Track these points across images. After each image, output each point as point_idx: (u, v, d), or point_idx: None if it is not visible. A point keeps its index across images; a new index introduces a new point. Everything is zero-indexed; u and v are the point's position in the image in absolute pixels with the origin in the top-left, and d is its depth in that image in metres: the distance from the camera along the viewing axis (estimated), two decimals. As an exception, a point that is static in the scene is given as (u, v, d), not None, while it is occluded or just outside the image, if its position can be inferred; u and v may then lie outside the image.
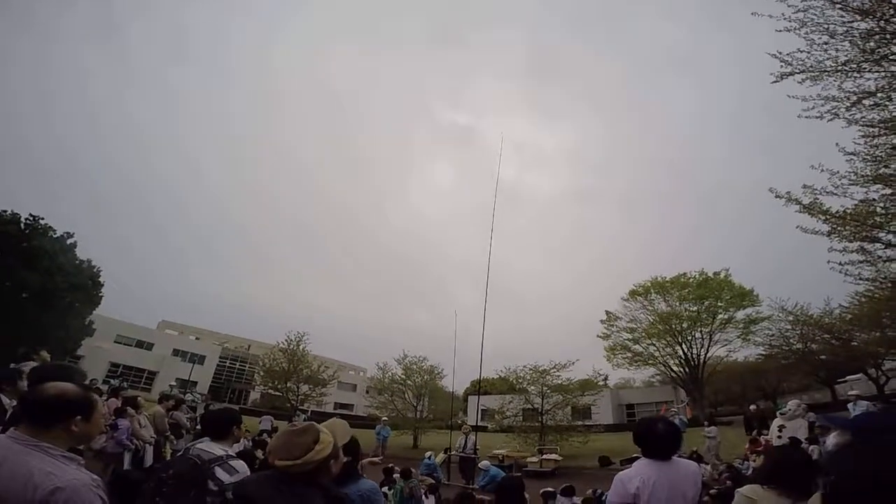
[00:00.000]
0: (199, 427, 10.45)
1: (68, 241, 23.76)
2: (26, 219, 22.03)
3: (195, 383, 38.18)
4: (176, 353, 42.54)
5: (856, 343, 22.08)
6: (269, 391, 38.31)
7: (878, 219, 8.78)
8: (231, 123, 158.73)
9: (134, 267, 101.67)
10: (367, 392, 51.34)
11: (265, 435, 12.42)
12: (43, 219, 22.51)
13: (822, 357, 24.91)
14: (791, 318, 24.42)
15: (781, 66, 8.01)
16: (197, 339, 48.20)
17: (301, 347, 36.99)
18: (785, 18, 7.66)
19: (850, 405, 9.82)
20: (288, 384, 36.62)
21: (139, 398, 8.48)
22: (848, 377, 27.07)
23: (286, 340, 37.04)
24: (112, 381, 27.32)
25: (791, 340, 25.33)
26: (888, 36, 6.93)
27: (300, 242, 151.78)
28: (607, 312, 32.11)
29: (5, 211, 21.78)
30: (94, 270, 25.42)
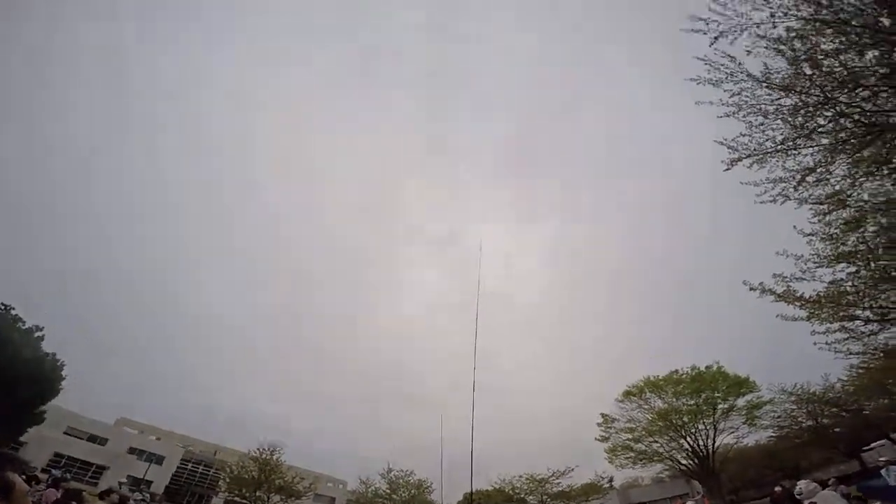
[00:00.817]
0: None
1: (36, 334, 23.97)
2: None
3: (150, 482, 36.49)
4: (132, 450, 40.81)
5: (867, 412, 22.45)
6: (235, 498, 34.74)
7: (850, 297, 8.97)
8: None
9: (99, 364, 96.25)
10: None
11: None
12: (14, 308, 22.88)
13: (837, 430, 25.22)
14: (793, 398, 25.03)
15: (729, 153, 8.42)
16: (158, 439, 45.86)
17: (275, 457, 34.37)
18: (723, 104, 8.08)
19: (883, 471, 9.64)
20: (257, 493, 33.23)
21: (84, 493, 7.53)
22: (873, 444, 26.70)
23: (258, 449, 34.79)
24: (54, 471, 26.14)
25: (799, 419, 25.83)
26: (811, 109, 7.31)
27: (280, 351, 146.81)
28: (602, 415, 31.83)
29: None
30: (58, 364, 25.23)
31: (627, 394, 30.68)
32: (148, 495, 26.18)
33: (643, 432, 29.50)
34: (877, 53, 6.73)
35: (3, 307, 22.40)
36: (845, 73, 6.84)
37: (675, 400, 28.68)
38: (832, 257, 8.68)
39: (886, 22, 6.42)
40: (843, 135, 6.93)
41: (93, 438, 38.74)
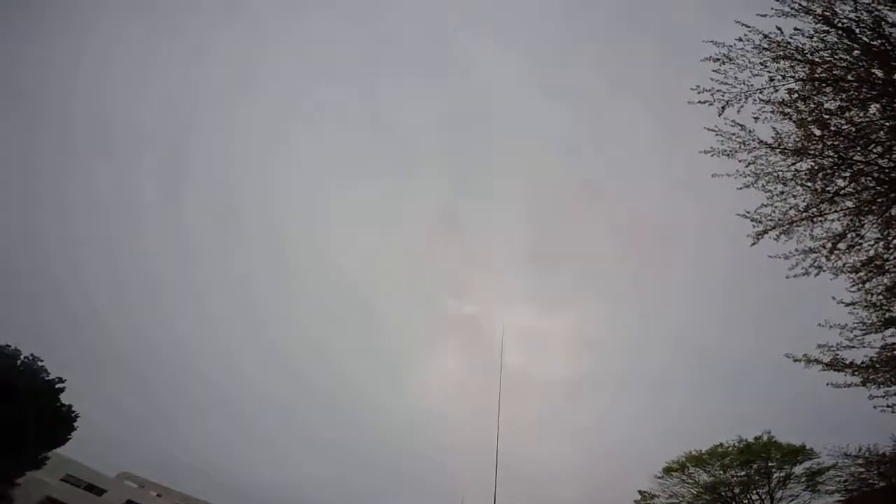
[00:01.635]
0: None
1: (57, 386, 24.64)
2: (25, 357, 23.34)
3: None
4: None
5: None
6: None
7: None
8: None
9: (114, 419, 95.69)
10: None
11: None
12: (42, 361, 23.85)
13: None
14: (860, 461, 22.99)
15: (754, 225, 8.10)
16: (158, 495, 44.83)
17: None
18: (741, 174, 7.90)
19: None
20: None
21: None
22: None
23: None
24: None
25: (870, 481, 23.37)
26: (828, 171, 7.11)
27: (296, 423, 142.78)
28: (641, 493, 30.23)
29: (9, 345, 23.19)
30: (73, 416, 25.73)
31: (668, 470, 28.95)
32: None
33: None
34: (879, 107, 6.65)
35: (30, 357, 23.39)
36: (854, 130, 6.74)
37: (722, 472, 26.84)
38: (879, 324, 8.17)
39: (879, 73, 6.38)
40: (866, 195, 6.70)
41: (90, 488, 38.31)
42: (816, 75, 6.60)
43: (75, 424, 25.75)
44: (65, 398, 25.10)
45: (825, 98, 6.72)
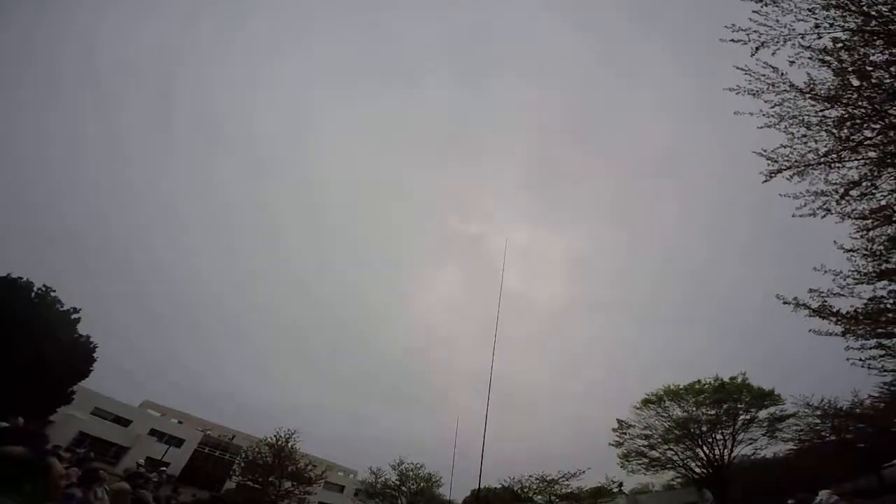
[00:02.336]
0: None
1: (73, 316, 24.67)
2: (38, 289, 23.00)
3: (167, 465, 37.02)
4: (153, 433, 41.83)
5: (895, 429, 22.19)
6: (248, 482, 35.59)
7: (890, 315, 8.66)
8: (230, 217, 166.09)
9: (133, 350, 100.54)
10: (356, 495, 47.10)
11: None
12: (54, 291, 23.55)
13: (861, 445, 24.80)
14: (819, 412, 24.80)
15: (769, 164, 8.09)
16: (180, 422, 47.02)
17: (290, 444, 35.16)
18: (764, 115, 7.77)
19: None
20: (270, 478, 34.04)
21: (101, 471, 7.90)
22: (895, 461, 26.07)
23: (275, 436, 35.59)
24: (78, 450, 27.19)
25: (823, 433, 25.52)
26: (858, 121, 7.01)
27: (301, 345, 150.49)
28: (619, 421, 31.75)
29: (21, 278, 22.75)
30: (91, 346, 25.97)
31: (646, 402, 30.48)
32: (167, 477, 27.15)
33: (659, 439, 29.37)
34: None
35: (43, 289, 23.07)
36: None
37: (694, 409, 28.39)
38: (873, 274, 8.32)
39: None
40: (892, 147, 6.67)
41: (117, 420, 40.03)
42: (869, 27, 6.29)
43: (95, 355, 26.06)
44: (80, 328, 25.12)
45: (873, 51, 6.46)
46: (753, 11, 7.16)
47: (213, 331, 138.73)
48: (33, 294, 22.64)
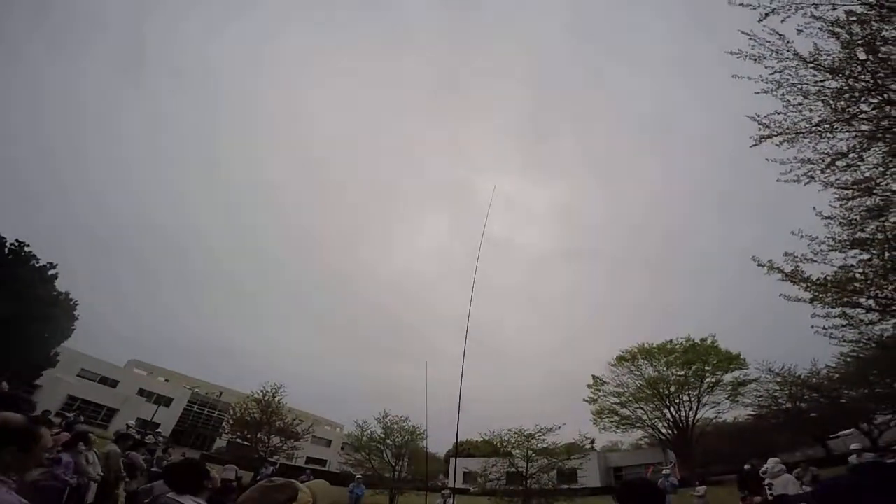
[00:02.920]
0: (153, 469, 9.86)
1: (50, 272, 23.64)
2: (11, 244, 21.91)
3: (157, 425, 37.19)
4: (141, 392, 41.68)
5: (844, 400, 23.03)
6: (237, 440, 36.53)
7: (857, 285, 8.90)
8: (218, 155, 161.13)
9: (115, 304, 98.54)
10: (343, 448, 49.02)
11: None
12: (28, 246, 22.39)
13: (813, 415, 25.83)
14: (779, 379, 25.63)
15: (759, 129, 8.14)
16: (166, 381, 46.93)
17: (276, 399, 35.80)
18: (762, 80, 7.78)
19: (852, 458, 9.94)
20: (259, 435, 35.03)
21: (91, 434, 8.01)
22: (840, 433, 27.72)
23: (261, 391, 36.14)
24: (68, 414, 26.91)
25: (780, 400, 26.46)
26: (857, 94, 7.05)
27: (286, 293, 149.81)
28: (594, 377, 32.88)
29: None
30: (71, 303, 25.18)
31: (620, 359, 31.40)
32: (160, 438, 27.45)
33: (630, 398, 30.57)
34: None
35: (16, 244, 22.06)
36: None
37: (665, 369, 29.48)
38: (847, 242, 8.56)
39: None
40: (885, 122, 6.81)
41: (104, 380, 39.59)
42: (888, 3, 6.19)
43: (75, 313, 25.36)
44: (59, 284, 24.26)
45: (887, 26, 6.40)
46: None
47: (203, 282, 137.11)
48: (6, 250, 21.63)
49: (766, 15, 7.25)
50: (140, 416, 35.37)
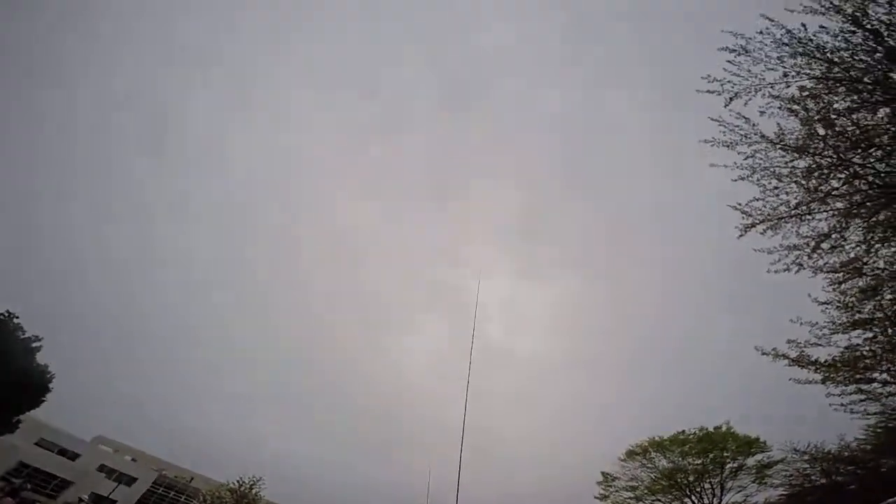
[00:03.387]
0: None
1: (34, 344, 23.78)
2: (1, 314, 22.27)
3: (114, 502, 35.72)
4: (102, 468, 39.62)
5: (885, 469, 21.52)
6: None
7: (867, 361, 8.78)
8: None
9: (107, 385, 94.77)
10: None
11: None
12: (17, 317, 22.81)
13: (852, 487, 23.84)
14: (807, 457, 24.31)
15: (743, 218, 8.24)
16: (133, 460, 44.56)
17: (254, 491, 32.80)
18: (737, 167, 7.98)
19: None
20: (229, 526, 31.36)
21: (36, 502, 7.15)
22: (888, 501, 25.75)
23: (238, 481, 33.17)
24: (15, 480, 25.48)
25: (813, 478, 24.80)
26: (825, 171, 7.24)
27: (274, 387, 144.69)
28: (604, 474, 31.10)
29: None
30: (48, 377, 24.84)
31: (631, 453, 29.93)
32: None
33: (646, 491, 28.68)
34: (888, 111, 6.75)
35: (6, 314, 22.38)
36: (858, 132, 6.85)
37: (680, 459, 27.87)
38: (848, 324, 8.47)
39: None
40: (857, 198, 6.92)
41: (63, 452, 37.94)
42: (832, 74, 6.65)
43: (50, 386, 24.70)
44: (40, 357, 24.05)
45: (836, 98, 6.80)
46: (728, 61, 7.51)
47: (190, 371, 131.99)
48: (-4, 320, 21.92)
49: (731, 99, 7.66)
50: (97, 492, 33.63)
